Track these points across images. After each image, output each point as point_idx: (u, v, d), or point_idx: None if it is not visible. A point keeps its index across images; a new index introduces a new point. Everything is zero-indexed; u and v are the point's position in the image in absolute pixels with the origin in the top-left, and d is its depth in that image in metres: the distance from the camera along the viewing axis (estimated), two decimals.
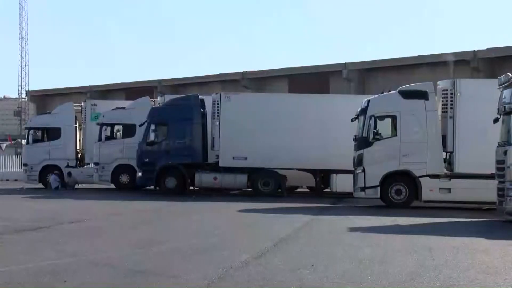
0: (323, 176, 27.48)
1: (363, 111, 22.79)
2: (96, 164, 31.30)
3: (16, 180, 38.78)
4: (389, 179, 22.42)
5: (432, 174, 22.32)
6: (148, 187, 30.58)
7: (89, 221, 17.15)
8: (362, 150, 22.58)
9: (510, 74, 17.66)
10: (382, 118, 22.72)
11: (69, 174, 32.12)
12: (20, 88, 77.99)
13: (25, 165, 33.45)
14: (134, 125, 30.50)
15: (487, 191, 20.75)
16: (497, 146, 18.09)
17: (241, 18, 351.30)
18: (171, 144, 28.67)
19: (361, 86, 42.96)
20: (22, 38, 77.42)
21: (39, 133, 33.46)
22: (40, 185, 32.67)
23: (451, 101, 22.51)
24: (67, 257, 11.04)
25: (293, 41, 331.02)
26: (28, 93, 70.53)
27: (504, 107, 17.72)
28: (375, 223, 17.37)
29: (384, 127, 22.80)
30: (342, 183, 26.18)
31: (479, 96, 21.85)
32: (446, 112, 22.62)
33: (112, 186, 31.42)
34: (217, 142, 27.61)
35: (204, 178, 27.92)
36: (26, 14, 77.96)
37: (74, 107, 33.89)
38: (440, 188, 22.27)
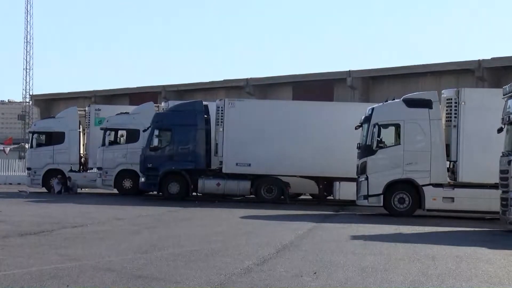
0: (326, 183, 27.45)
1: (367, 119, 22.79)
2: (100, 168, 31.32)
3: (19, 183, 38.82)
4: (392, 187, 22.40)
5: (436, 183, 22.29)
6: (151, 193, 30.60)
7: (92, 225, 17.15)
8: (366, 158, 22.56)
9: None
10: (386, 126, 22.71)
11: (69, 178, 32.13)
12: (24, 92, 78.33)
13: (28, 169, 33.54)
14: (137, 130, 30.54)
15: (490, 201, 20.78)
16: (501, 156, 18.09)
17: (246, 25, 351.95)
18: (175, 149, 28.70)
19: (365, 94, 42.94)
20: (27, 42, 77.76)
21: (43, 137, 33.52)
22: (43, 189, 32.71)
23: (455, 110, 22.49)
24: (70, 262, 11.04)
25: (297, 48, 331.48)
26: (32, 97, 70.70)
27: (509, 116, 17.74)
28: (378, 231, 17.34)
29: (387, 135, 22.80)
30: (345, 191, 26.16)
31: (484, 106, 21.87)
32: (450, 121, 22.61)
33: (115, 191, 31.44)
34: (221, 148, 27.61)
35: (207, 184, 27.90)
36: (31, 18, 78.42)
37: (78, 112, 33.98)
38: (443, 197, 22.23)
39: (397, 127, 22.60)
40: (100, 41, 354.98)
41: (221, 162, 27.70)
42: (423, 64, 41.78)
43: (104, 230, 16.13)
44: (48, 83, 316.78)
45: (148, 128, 28.82)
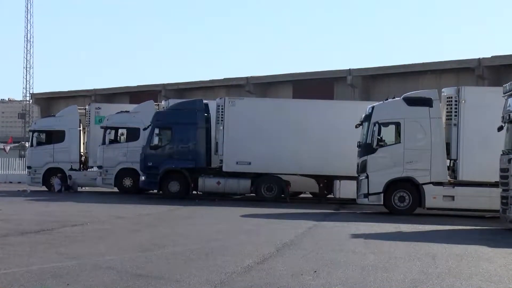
0: (326, 182, 27.44)
1: (367, 117, 22.79)
2: (100, 167, 31.33)
3: (19, 182, 38.84)
4: (393, 186, 22.40)
5: (436, 182, 22.29)
6: (151, 191, 30.60)
7: (92, 224, 17.15)
8: (366, 157, 22.56)
9: None
10: (386, 124, 22.71)
11: (69, 177, 32.14)
12: (24, 91, 78.43)
13: (28, 167, 33.52)
14: (138, 129, 30.54)
15: (490, 199, 20.79)
16: (501, 154, 18.09)
17: (247, 24, 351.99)
18: (175, 148, 28.69)
19: (365, 92, 42.95)
20: (27, 40, 77.84)
21: (43, 136, 33.51)
22: (44, 188, 32.72)
23: (456, 108, 22.50)
24: (70, 260, 11.05)
25: (298, 47, 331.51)
26: (33, 95, 70.71)
27: (509, 115, 17.73)
28: (378, 229, 17.35)
29: (388, 133, 22.80)
30: (345, 189, 26.15)
31: (484, 104, 21.87)
32: (451, 119, 22.61)
33: (115, 189, 31.44)
34: (221, 146, 27.59)
35: (207, 183, 27.90)
36: (31, 17, 78.64)
37: (78, 110, 33.96)
38: (443, 196, 22.24)
39: (398, 125, 22.60)
40: (101, 39, 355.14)
41: (221, 161, 27.69)
42: (423, 63, 41.80)
43: (104, 229, 16.14)
44: (49, 82, 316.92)
45: (148, 127, 28.82)
